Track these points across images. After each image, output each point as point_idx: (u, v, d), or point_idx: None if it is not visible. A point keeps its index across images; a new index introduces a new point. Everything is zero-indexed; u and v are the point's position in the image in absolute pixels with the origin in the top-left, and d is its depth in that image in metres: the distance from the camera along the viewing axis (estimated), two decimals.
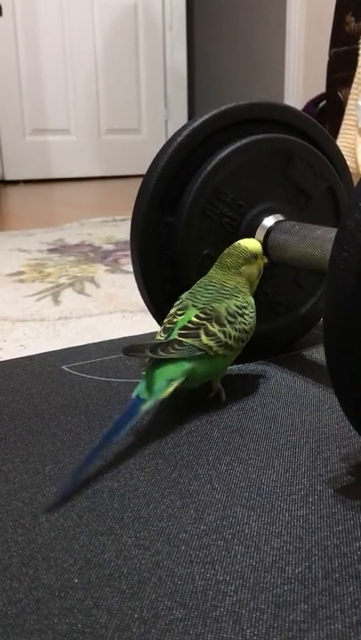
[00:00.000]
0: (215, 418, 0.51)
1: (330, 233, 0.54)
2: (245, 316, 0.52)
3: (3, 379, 0.60)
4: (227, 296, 0.52)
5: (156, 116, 2.99)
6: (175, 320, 0.52)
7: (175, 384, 0.48)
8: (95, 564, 0.34)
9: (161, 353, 0.48)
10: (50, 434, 0.49)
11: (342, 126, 1.30)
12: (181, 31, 2.96)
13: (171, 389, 0.48)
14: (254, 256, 0.54)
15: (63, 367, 0.62)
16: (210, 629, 0.30)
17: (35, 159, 2.72)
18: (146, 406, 0.46)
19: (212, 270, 0.55)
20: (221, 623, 0.30)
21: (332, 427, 0.49)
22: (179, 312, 0.52)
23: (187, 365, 0.49)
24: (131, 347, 0.48)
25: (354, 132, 1.26)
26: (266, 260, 0.56)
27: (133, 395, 0.47)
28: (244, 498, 0.40)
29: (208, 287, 0.53)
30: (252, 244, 0.54)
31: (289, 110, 0.61)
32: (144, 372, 0.49)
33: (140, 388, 0.47)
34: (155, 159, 0.58)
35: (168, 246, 0.58)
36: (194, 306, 0.52)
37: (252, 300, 0.55)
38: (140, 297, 0.62)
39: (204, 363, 0.50)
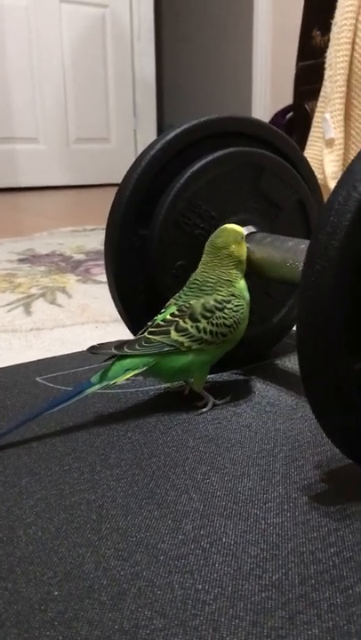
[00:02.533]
0: (190, 427, 0.52)
1: (301, 244, 0.55)
2: (226, 310, 0.53)
3: None
4: (207, 292, 0.54)
5: (125, 126, 2.99)
6: (155, 319, 0.54)
7: (131, 373, 0.51)
8: (75, 576, 0.34)
9: (126, 350, 0.51)
10: (25, 446, 0.49)
11: (310, 138, 1.32)
12: (150, 41, 2.97)
13: (125, 377, 0.51)
14: (242, 237, 0.55)
15: (37, 379, 0.62)
16: (190, 638, 0.30)
17: (2, 167, 2.69)
18: (92, 389, 0.50)
19: (202, 260, 0.56)
20: (201, 631, 0.31)
21: (306, 435, 0.50)
22: (162, 311, 0.55)
23: (150, 359, 0.52)
24: (97, 345, 0.52)
25: (321, 144, 1.28)
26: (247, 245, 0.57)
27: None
28: (221, 507, 0.40)
29: (191, 286, 0.55)
30: (238, 227, 0.56)
31: (260, 125, 0.62)
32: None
33: (95, 375, 0.51)
34: (128, 171, 0.58)
35: (142, 258, 0.59)
36: (175, 304, 0.54)
37: (241, 285, 0.55)
38: (112, 307, 0.62)
39: (173, 358, 0.52)
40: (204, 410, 0.54)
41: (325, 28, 1.37)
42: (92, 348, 0.51)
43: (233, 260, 0.55)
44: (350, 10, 1.19)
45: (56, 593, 0.33)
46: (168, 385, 0.60)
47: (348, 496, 0.42)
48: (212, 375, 0.62)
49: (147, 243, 0.58)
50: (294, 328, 0.71)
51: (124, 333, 0.64)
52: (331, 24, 1.25)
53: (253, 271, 0.59)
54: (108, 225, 0.59)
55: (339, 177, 1.26)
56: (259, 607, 0.32)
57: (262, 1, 2.71)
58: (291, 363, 0.67)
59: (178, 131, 0.58)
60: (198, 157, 0.58)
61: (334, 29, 1.22)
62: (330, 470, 0.45)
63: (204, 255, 0.56)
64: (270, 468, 0.45)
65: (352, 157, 1.24)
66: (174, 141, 0.58)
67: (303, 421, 0.52)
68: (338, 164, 1.25)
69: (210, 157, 0.58)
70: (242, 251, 0.56)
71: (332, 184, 1.23)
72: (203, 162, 0.58)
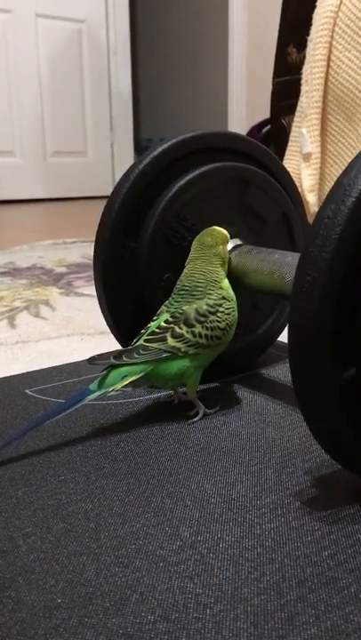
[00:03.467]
0: (182, 437, 0.52)
1: (287, 257, 0.56)
2: (219, 314, 0.55)
3: None
4: (198, 297, 0.55)
5: (101, 139, 3.01)
6: (149, 326, 0.55)
7: (129, 380, 0.51)
8: (77, 584, 0.35)
9: (125, 359, 0.51)
10: (19, 457, 0.49)
11: (287, 152, 1.35)
12: (126, 56, 3.00)
13: (123, 384, 0.51)
14: (227, 240, 0.58)
15: (26, 391, 0.63)
16: None
17: None
18: (92, 396, 0.50)
19: (189, 257, 0.58)
20: (204, 634, 0.31)
21: (295, 442, 0.51)
22: (154, 318, 0.55)
23: (147, 365, 0.52)
24: (96, 355, 0.52)
25: (298, 159, 1.31)
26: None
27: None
28: (216, 513, 0.41)
29: (181, 292, 0.56)
30: (223, 229, 0.58)
31: (245, 140, 0.63)
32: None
33: (94, 382, 0.51)
34: (117, 185, 0.59)
35: (131, 270, 0.60)
36: (167, 311, 0.55)
37: (226, 284, 0.57)
38: (97, 319, 0.63)
39: (169, 363, 0.53)
40: (195, 419, 0.55)
41: (301, 45, 1.40)
42: (92, 358, 0.52)
43: (219, 259, 0.57)
44: (325, 27, 1.22)
45: (59, 600, 0.34)
46: (158, 395, 0.60)
47: (339, 501, 0.43)
48: (200, 386, 0.63)
49: (135, 255, 0.59)
50: (279, 338, 0.72)
51: (110, 345, 0.64)
52: (306, 41, 1.28)
53: (241, 283, 0.60)
54: (97, 238, 0.59)
55: (316, 190, 1.28)
56: (258, 609, 0.33)
57: (237, 17, 2.75)
58: (276, 372, 0.68)
59: (165, 146, 0.59)
60: (185, 172, 0.60)
61: (310, 46, 1.25)
62: (320, 476, 0.46)
63: (191, 253, 0.58)
64: (262, 475, 0.46)
65: (328, 171, 1.27)
66: (162, 156, 0.59)
67: (292, 429, 0.53)
68: (315, 177, 1.28)
69: (197, 172, 0.59)
70: (226, 251, 0.58)
71: (309, 197, 1.26)
72: (190, 176, 0.59)
